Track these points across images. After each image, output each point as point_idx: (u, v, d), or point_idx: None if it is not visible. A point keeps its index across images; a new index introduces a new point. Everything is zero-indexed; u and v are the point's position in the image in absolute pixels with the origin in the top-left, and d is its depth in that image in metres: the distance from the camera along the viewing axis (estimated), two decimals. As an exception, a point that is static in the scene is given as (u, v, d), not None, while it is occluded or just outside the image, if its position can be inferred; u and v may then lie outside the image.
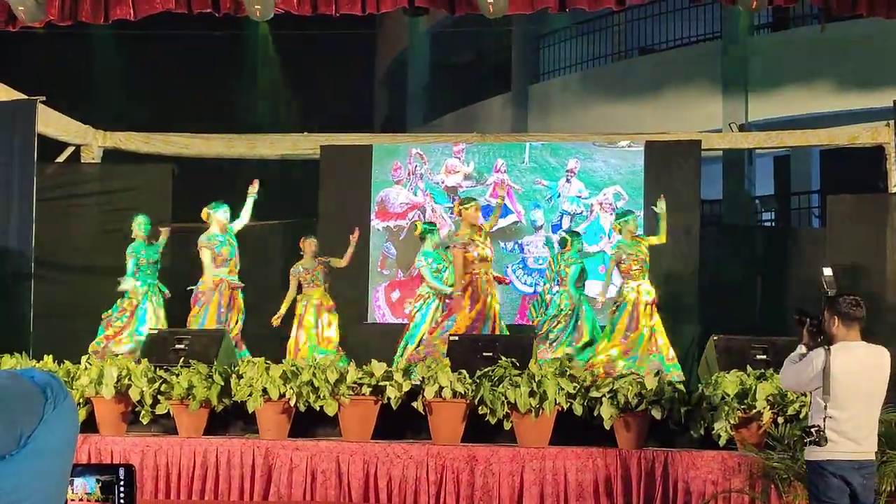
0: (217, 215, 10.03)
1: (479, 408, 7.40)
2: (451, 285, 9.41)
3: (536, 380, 7.29)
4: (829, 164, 16.44)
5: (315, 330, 10.19)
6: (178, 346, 8.55)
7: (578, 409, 7.35)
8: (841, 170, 15.08)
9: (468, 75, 20.13)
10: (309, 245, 10.46)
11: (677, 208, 10.42)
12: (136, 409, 7.95)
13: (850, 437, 4.96)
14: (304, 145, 12.72)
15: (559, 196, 12.25)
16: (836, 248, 10.55)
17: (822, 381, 4.94)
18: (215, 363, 8.10)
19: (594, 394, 7.32)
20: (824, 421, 4.94)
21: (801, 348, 5.18)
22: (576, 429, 7.44)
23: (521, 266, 12.09)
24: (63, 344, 9.49)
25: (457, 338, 8.54)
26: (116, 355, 8.93)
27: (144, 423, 7.98)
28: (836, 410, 4.95)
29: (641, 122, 15.10)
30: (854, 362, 4.98)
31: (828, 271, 5.23)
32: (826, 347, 4.99)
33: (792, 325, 5.43)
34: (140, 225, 10.37)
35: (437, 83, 20.14)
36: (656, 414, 7.24)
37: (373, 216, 12.44)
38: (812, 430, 4.96)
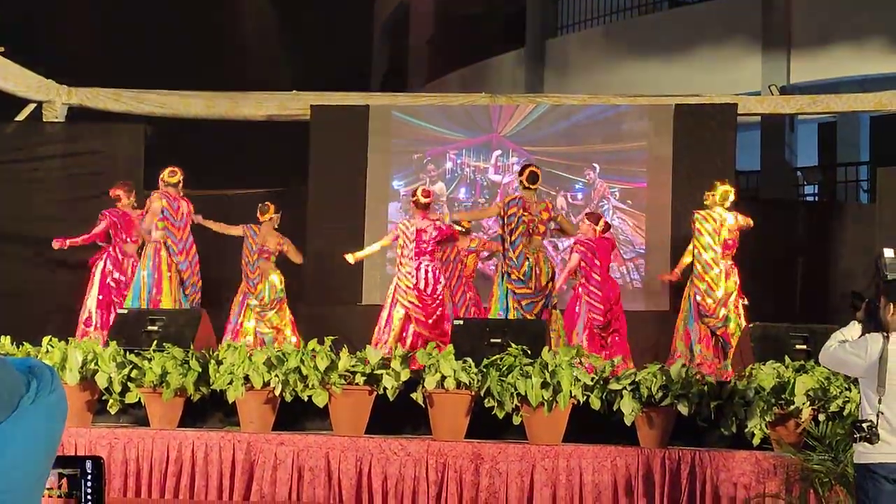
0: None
1: (486, 400, 7.40)
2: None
3: (550, 370, 7.29)
4: (880, 133, 16.39)
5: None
6: (150, 327, 8.54)
7: (596, 403, 7.36)
8: (893, 139, 15.04)
9: (477, 28, 20.04)
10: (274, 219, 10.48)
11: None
12: (104, 398, 7.96)
13: (906, 438, 4.94)
14: (293, 105, 12.68)
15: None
16: (886, 226, 10.52)
17: (878, 371, 4.92)
18: (192, 347, 8.12)
19: (614, 386, 7.33)
20: (877, 417, 4.91)
21: (855, 325, 5.15)
22: (593, 424, 7.45)
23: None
24: (26, 325, 9.49)
25: (461, 322, 8.55)
26: None
27: (112, 412, 8.00)
28: (890, 407, 4.93)
29: (670, 82, 15.04)
30: None
31: (889, 253, 5.18)
32: (885, 334, 4.97)
33: (836, 311, 5.41)
34: None
35: (443, 37, 20.07)
36: (683, 409, 7.25)
37: (368, 185, 12.41)
38: (863, 424, 4.93)
